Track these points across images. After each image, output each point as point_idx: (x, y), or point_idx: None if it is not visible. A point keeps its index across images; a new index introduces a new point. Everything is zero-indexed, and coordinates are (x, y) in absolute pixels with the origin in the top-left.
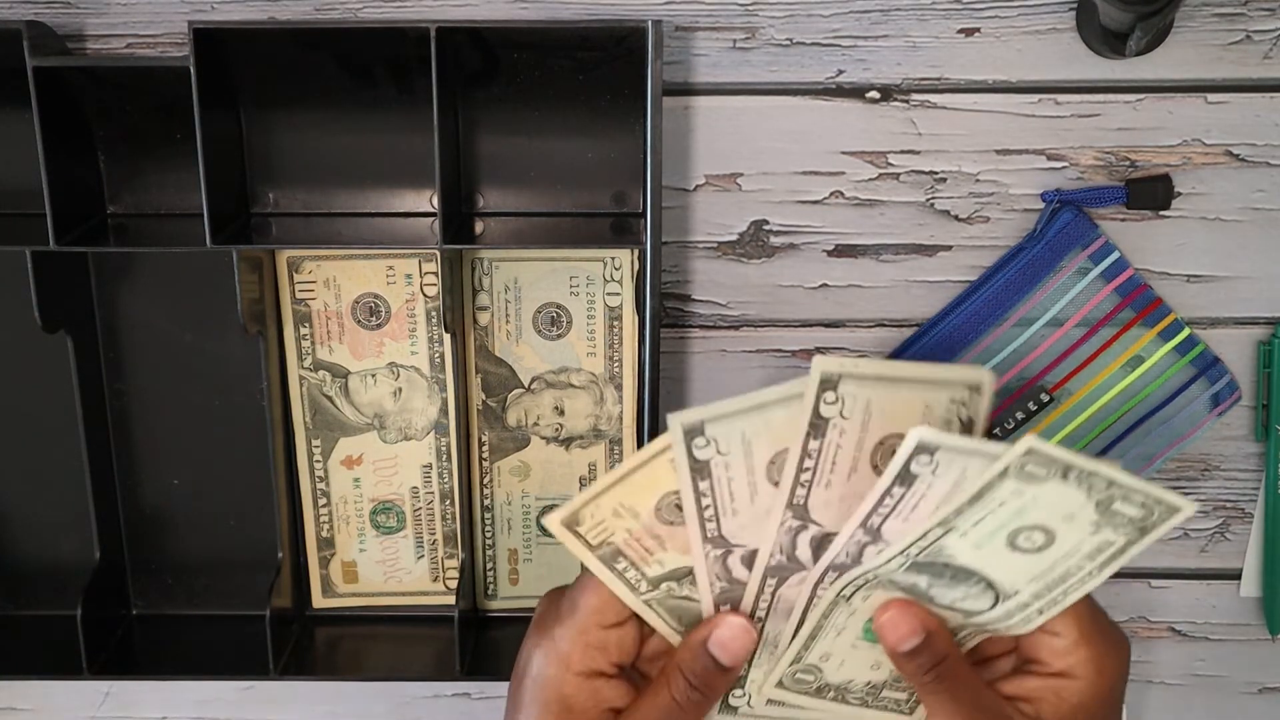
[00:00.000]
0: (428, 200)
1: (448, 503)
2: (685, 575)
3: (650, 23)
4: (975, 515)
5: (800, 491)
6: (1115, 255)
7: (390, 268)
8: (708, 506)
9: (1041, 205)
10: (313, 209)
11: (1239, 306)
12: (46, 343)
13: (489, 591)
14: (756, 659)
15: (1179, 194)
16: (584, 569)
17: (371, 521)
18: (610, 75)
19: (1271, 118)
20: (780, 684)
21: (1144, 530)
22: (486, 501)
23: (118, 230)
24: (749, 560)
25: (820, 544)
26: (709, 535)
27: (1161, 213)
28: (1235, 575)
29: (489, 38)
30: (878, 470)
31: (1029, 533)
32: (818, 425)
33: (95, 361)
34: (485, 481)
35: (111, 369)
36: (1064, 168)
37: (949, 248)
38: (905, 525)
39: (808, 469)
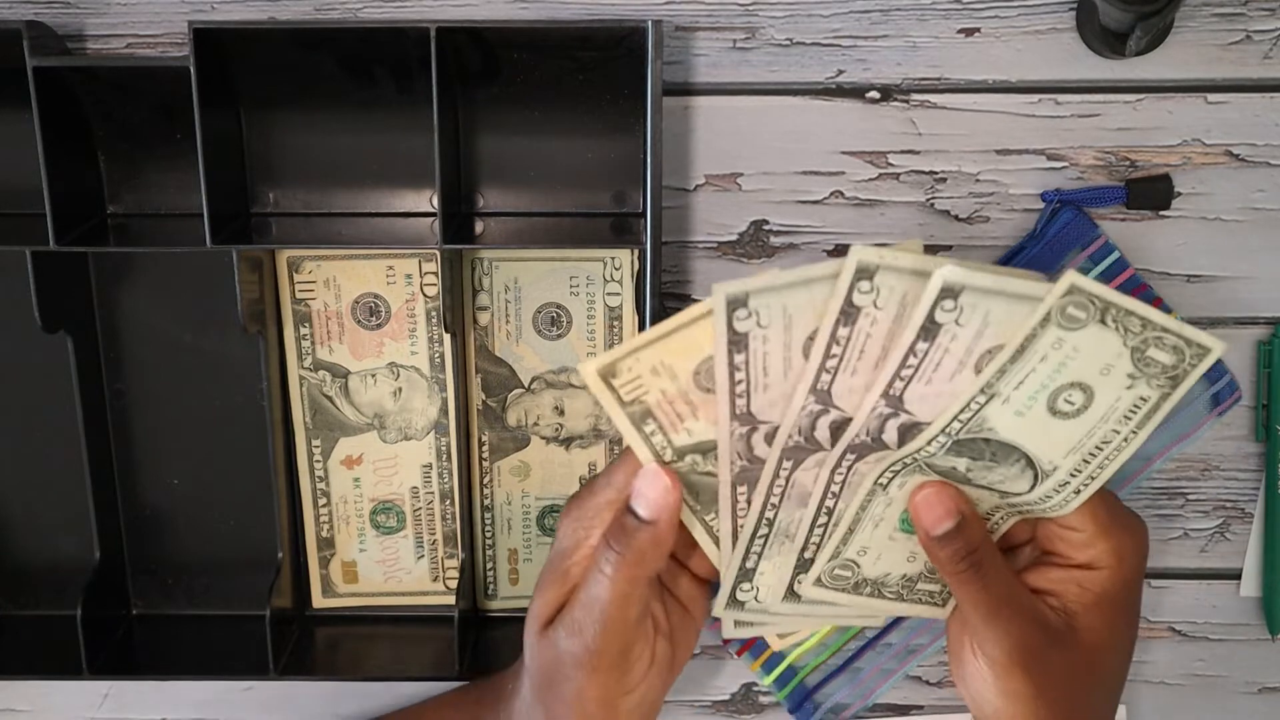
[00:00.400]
0: (428, 200)
1: (448, 503)
2: (710, 449)
3: (650, 23)
4: (1018, 374)
5: (825, 377)
6: (1115, 255)
7: (390, 268)
8: (740, 381)
9: (1041, 205)
10: (313, 209)
11: (1239, 306)
12: (46, 343)
13: (489, 591)
14: (768, 550)
15: (1179, 194)
16: (623, 449)
17: (371, 521)
18: (610, 75)
19: (1271, 118)
20: (819, 581)
21: (1175, 380)
22: (486, 501)
23: (118, 230)
24: (772, 438)
25: (840, 428)
26: (737, 411)
27: (1161, 213)
28: (1235, 575)
29: (489, 38)
30: None
31: (1069, 392)
32: (849, 313)
33: (95, 361)
34: (485, 481)
35: (111, 369)
36: (1064, 168)
37: (949, 248)
38: (927, 390)
39: (835, 355)
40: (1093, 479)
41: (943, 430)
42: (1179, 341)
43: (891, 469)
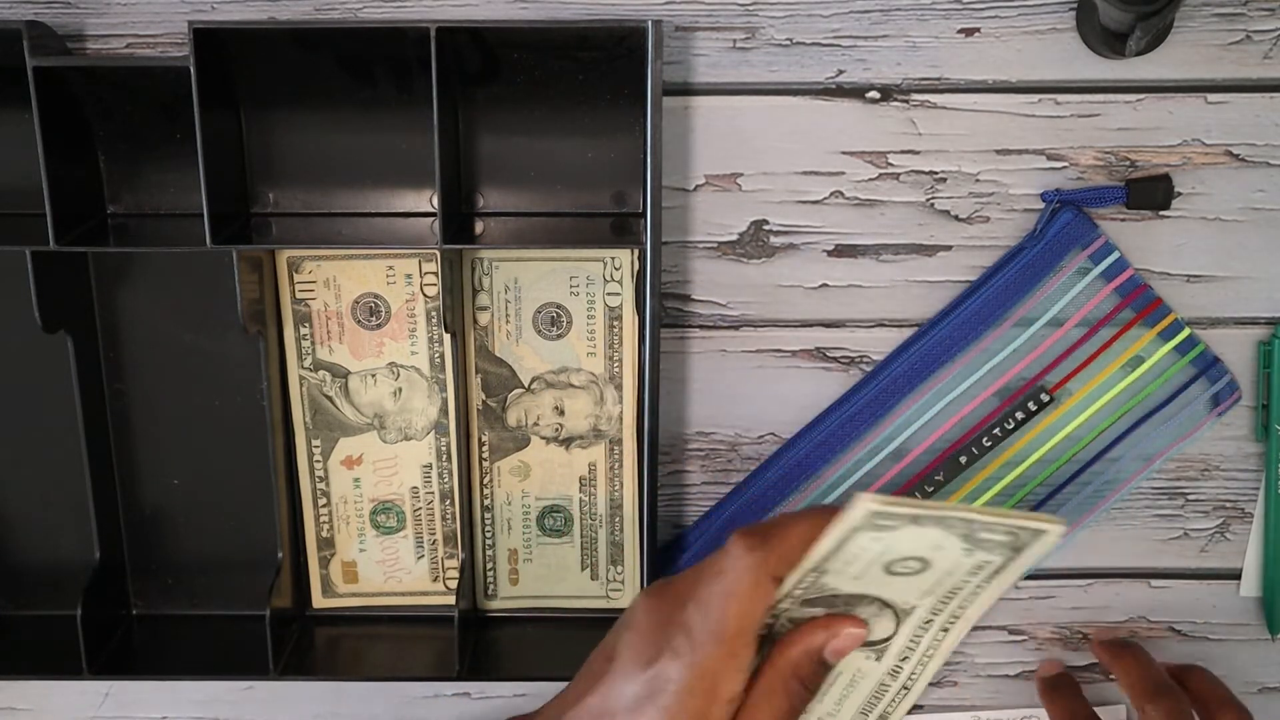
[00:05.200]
0: (428, 200)
1: (448, 503)
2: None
3: (650, 23)
4: (841, 561)
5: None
6: (1115, 255)
7: (390, 268)
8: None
9: (1041, 205)
10: (313, 209)
11: (1239, 306)
12: (46, 343)
13: (489, 591)
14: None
15: (1179, 194)
16: (697, 571)
17: (371, 521)
18: (610, 75)
19: (1271, 118)
20: None
21: (1017, 550)
22: (486, 501)
23: (118, 230)
24: None
25: None
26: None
27: (1161, 213)
28: (1235, 575)
29: (489, 38)
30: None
31: (903, 562)
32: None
33: (95, 361)
34: (485, 481)
35: (111, 369)
36: (1064, 168)
37: (949, 248)
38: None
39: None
40: (955, 619)
41: (787, 595)
42: (1010, 528)
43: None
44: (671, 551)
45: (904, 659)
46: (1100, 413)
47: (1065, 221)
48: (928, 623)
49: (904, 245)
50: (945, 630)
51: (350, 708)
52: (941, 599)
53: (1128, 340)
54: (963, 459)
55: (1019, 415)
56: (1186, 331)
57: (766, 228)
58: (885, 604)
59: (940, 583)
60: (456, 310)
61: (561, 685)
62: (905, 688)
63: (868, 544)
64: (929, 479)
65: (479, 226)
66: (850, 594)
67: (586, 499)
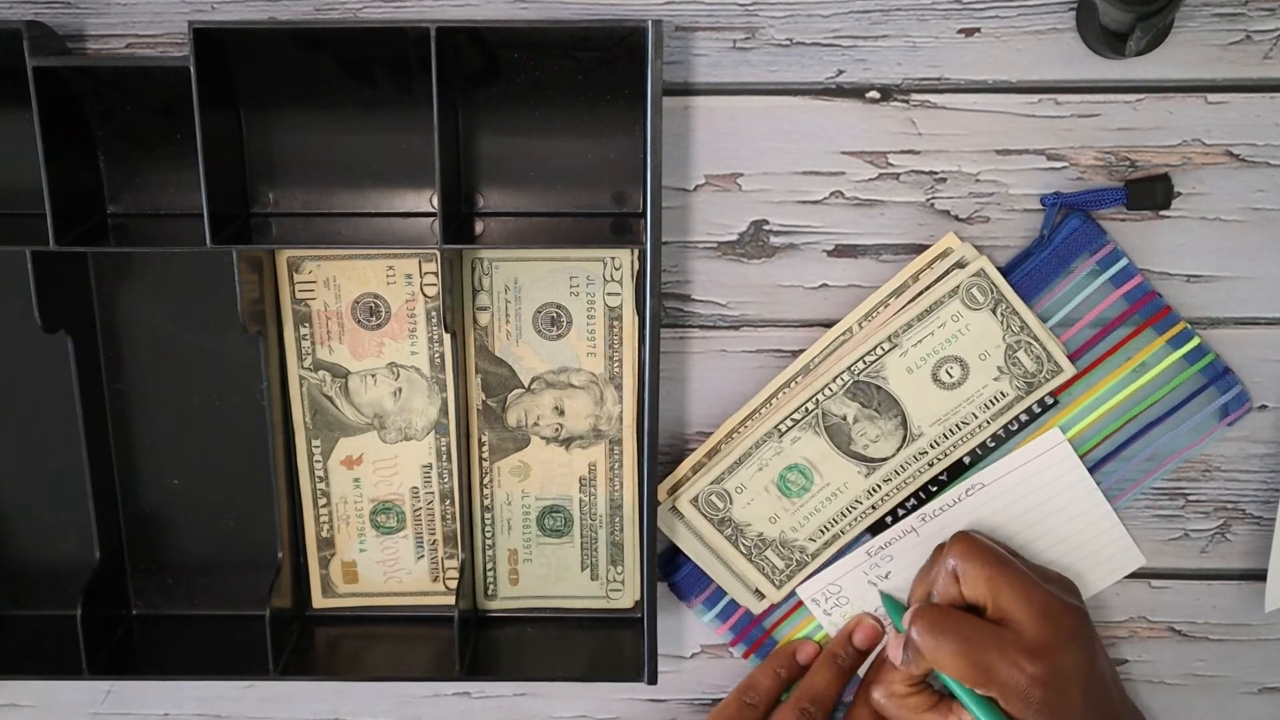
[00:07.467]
0: (428, 200)
1: (448, 503)
2: None
3: (650, 23)
4: (918, 333)
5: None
6: (1124, 262)
7: (390, 268)
8: None
9: (1040, 207)
10: (313, 209)
11: (1239, 306)
12: (46, 343)
13: (489, 591)
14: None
15: (1179, 194)
16: None
17: (371, 521)
18: (610, 75)
19: (1271, 118)
20: (694, 501)
21: (1030, 387)
22: (486, 501)
23: (118, 230)
24: None
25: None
26: None
27: (1161, 213)
28: (1236, 576)
29: (489, 38)
30: None
31: (950, 365)
32: None
33: (95, 361)
34: (485, 481)
35: (111, 369)
36: (1064, 168)
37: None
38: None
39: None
40: (946, 455)
41: (849, 368)
42: (1041, 352)
43: (792, 417)
44: (672, 554)
45: (886, 480)
46: (1105, 418)
47: (1073, 228)
48: (920, 454)
49: (904, 245)
50: (929, 465)
51: (350, 707)
52: (946, 431)
53: (1135, 346)
54: (966, 460)
55: (1023, 418)
56: (1196, 340)
57: (766, 228)
58: (904, 421)
59: (958, 410)
60: (456, 310)
61: (561, 685)
62: (874, 506)
63: (949, 318)
64: (934, 479)
65: (479, 226)
66: (887, 394)
67: (586, 499)
